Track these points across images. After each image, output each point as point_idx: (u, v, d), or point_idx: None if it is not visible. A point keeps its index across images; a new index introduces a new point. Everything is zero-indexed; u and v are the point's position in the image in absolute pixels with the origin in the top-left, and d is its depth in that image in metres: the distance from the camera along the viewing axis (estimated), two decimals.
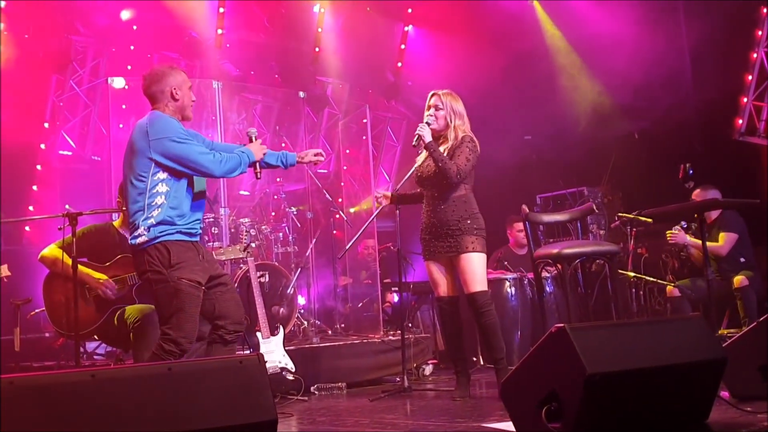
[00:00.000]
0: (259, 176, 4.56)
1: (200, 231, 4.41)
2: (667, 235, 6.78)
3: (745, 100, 8.62)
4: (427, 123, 5.33)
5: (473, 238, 5.26)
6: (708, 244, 6.68)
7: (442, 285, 5.44)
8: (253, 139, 4.56)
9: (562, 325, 3.34)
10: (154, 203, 4.17)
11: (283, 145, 9.72)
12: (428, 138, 5.27)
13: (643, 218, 6.60)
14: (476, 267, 5.26)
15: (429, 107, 5.39)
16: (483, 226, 5.36)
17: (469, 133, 5.36)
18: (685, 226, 6.72)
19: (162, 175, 4.19)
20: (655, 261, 7.46)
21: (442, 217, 5.31)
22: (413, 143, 5.35)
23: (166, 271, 4.13)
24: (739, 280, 6.61)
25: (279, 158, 4.61)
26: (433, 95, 5.41)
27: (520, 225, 7.75)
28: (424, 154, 5.44)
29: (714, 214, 6.91)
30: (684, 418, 3.59)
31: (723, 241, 6.79)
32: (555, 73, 8.70)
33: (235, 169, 4.33)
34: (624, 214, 6.78)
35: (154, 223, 4.15)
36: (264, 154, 4.50)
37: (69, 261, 5.01)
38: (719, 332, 6.32)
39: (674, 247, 7.04)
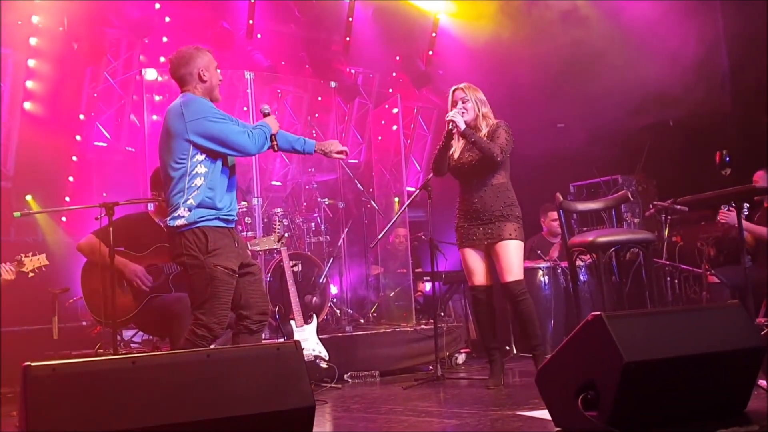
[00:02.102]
0: (276, 149, 4.53)
1: (236, 217, 4.43)
2: (719, 216, 6.70)
3: None
4: (457, 110, 5.35)
5: (515, 225, 5.30)
6: (757, 227, 6.61)
7: (477, 274, 5.42)
8: (268, 113, 4.56)
9: (598, 313, 3.32)
10: (194, 185, 4.18)
11: (314, 134, 9.73)
12: (462, 125, 5.28)
13: (679, 206, 6.52)
14: (514, 255, 5.28)
15: (455, 102, 5.41)
16: (521, 215, 5.38)
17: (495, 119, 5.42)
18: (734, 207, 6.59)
19: (200, 157, 4.20)
20: (691, 249, 7.38)
21: (485, 203, 5.31)
22: (449, 129, 5.33)
23: (203, 257, 4.15)
24: None
25: (299, 144, 4.65)
26: (455, 90, 5.46)
27: (554, 214, 7.70)
28: (459, 145, 5.42)
29: None
30: (722, 407, 3.56)
31: None
32: (589, 60, 8.61)
33: (264, 144, 4.36)
34: (659, 202, 6.71)
35: (194, 204, 4.16)
36: (278, 128, 4.51)
37: (106, 250, 5.07)
38: (757, 320, 6.23)
39: (728, 230, 6.94)
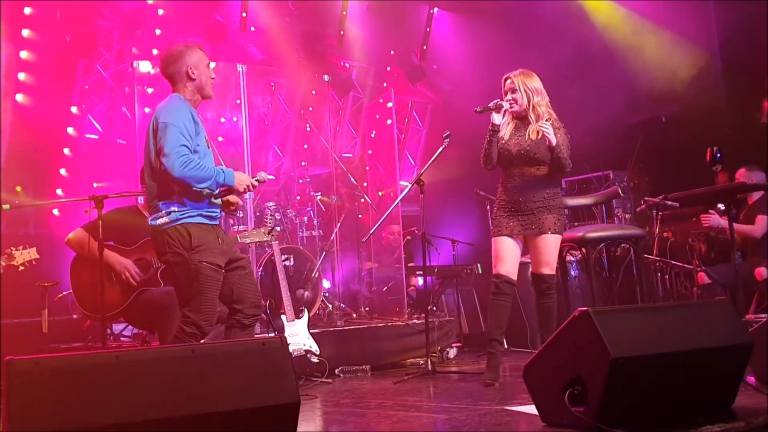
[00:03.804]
0: (213, 199, 4.25)
1: (220, 214, 4.39)
2: (702, 220, 6.71)
3: None
4: (505, 102, 5.24)
5: (556, 218, 5.22)
6: (742, 226, 6.62)
7: (507, 263, 5.25)
8: (262, 180, 4.43)
9: (585, 308, 3.32)
10: (174, 189, 4.13)
11: (308, 128, 9.73)
12: (498, 120, 5.20)
13: (670, 202, 6.52)
14: (554, 249, 5.24)
15: (506, 92, 5.29)
16: (564, 205, 5.37)
17: (551, 110, 5.29)
18: (723, 208, 6.60)
19: None
20: (682, 245, 7.38)
21: (527, 193, 5.21)
22: (493, 123, 5.21)
23: (187, 254, 4.12)
24: (760, 272, 6.51)
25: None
26: (506, 79, 5.31)
27: None
28: (508, 129, 5.31)
29: (756, 196, 6.81)
30: (709, 403, 3.57)
31: (758, 223, 6.70)
32: (582, 54, 8.60)
33: (202, 181, 4.08)
34: (650, 198, 6.71)
35: (176, 209, 4.14)
36: (241, 185, 4.29)
37: (95, 244, 5.05)
38: (746, 317, 6.24)
39: (711, 231, 6.95)
